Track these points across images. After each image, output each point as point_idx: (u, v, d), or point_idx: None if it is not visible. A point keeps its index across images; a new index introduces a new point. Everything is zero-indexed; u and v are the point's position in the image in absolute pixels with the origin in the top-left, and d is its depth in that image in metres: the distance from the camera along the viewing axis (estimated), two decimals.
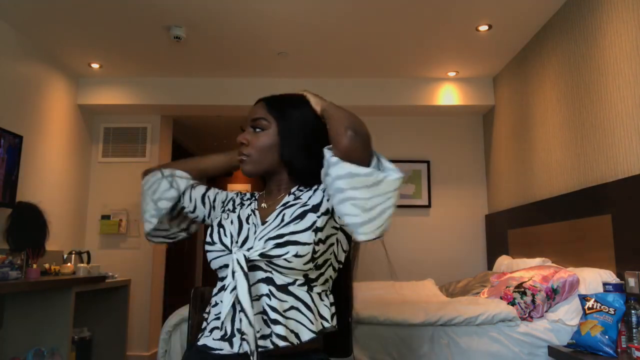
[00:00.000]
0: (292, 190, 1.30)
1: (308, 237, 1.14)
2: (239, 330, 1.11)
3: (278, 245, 1.13)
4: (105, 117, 4.64)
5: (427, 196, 4.52)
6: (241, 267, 1.12)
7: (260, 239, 1.17)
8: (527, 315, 2.46)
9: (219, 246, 1.22)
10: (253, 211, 1.30)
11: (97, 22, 3.33)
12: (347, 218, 1.08)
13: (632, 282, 2.11)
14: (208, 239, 1.26)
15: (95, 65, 4.10)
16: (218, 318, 1.17)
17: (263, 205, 1.32)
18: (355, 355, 2.28)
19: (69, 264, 3.48)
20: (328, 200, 1.20)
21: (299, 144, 1.27)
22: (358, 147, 1.10)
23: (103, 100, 4.37)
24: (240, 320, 1.09)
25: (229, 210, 1.36)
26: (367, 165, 1.10)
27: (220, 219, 1.30)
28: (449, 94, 4.36)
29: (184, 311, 2.40)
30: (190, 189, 1.44)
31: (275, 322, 1.11)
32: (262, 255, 1.14)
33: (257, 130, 1.28)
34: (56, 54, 3.87)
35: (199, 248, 7.05)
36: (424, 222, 4.52)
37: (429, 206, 4.51)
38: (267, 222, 1.22)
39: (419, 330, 2.39)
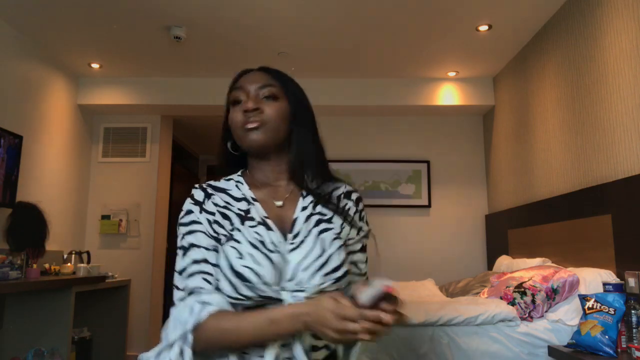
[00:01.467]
0: (303, 185, 1.14)
1: (346, 266, 1.06)
2: None
3: (337, 280, 1.02)
4: (105, 117, 4.64)
5: (427, 196, 4.52)
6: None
7: (306, 269, 1.01)
8: (527, 315, 2.46)
9: (256, 299, 1.00)
10: (264, 223, 1.07)
11: (97, 22, 3.33)
12: None
13: (632, 282, 2.11)
14: (233, 293, 0.99)
15: (95, 65, 4.10)
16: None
17: (279, 203, 1.12)
18: None
19: (69, 264, 3.48)
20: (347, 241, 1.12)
21: (310, 126, 1.17)
22: None
23: (103, 100, 4.37)
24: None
25: (224, 236, 1.06)
26: None
27: (230, 261, 1.00)
28: (449, 94, 4.36)
29: None
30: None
31: (315, 347, 1.03)
32: (319, 291, 1.01)
33: (268, 99, 1.11)
34: (56, 54, 3.87)
35: None
36: (424, 222, 4.52)
37: (429, 206, 4.51)
38: (301, 243, 1.04)
39: (419, 330, 2.39)
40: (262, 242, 1.03)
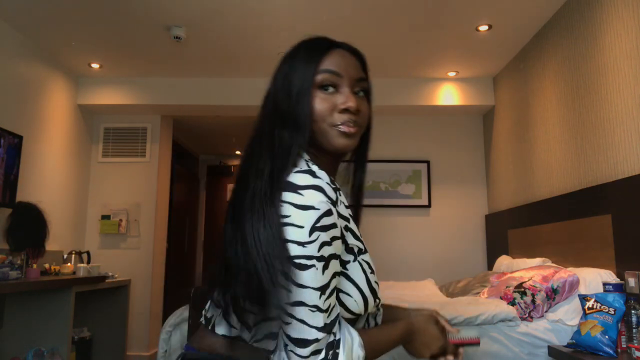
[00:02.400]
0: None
1: None
2: None
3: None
4: (105, 117, 4.64)
5: (427, 196, 4.52)
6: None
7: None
8: (527, 315, 2.45)
9: (364, 315, 0.96)
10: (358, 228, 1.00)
11: (97, 22, 3.33)
12: None
13: (632, 282, 2.11)
14: (360, 309, 0.91)
15: (95, 65, 4.10)
16: None
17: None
18: None
19: (69, 264, 3.48)
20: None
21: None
22: None
23: (103, 100, 4.37)
24: None
25: (357, 247, 0.93)
26: None
27: (367, 276, 0.92)
28: (449, 94, 4.36)
29: (184, 311, 2.40)
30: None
31: None
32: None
33: (361, 94, 0.97)
34: (56, 54, 3.87)
35: (199, 248, 7.05)
36: (424, 222, 4.52)
37: (429, 206, 4.51)
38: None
39: None
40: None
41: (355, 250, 0.91)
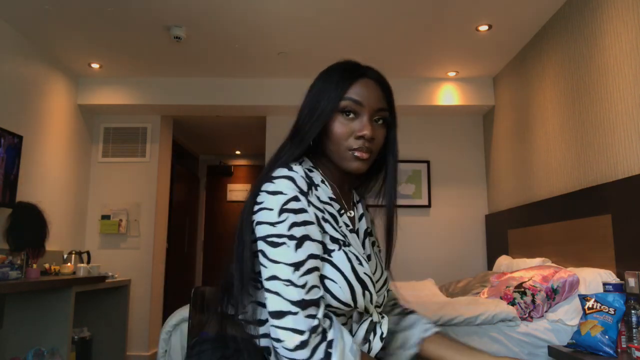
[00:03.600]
0: (357, 197, 1.18)
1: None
2: None
3: (387, 292, 1.12)
4: (105, 117, 4.64)
5: (427, 196, 4.52)
6: (383, 336, 1.05)
7: (375, 283, 1.04)
8: (527, 315, 2.45)
9: (359, 309, 1.01)
10: (357, 233, 1.10)
11: (97, 22, 3.33)
12: None
13: (632, 282, 2.11)
14: (347, 299, 0.95)
15: (95, 65, 4.10)
16: None
17: (351, 214, 1.11)
18: None
19: (69, 264, 3.48)
20: None
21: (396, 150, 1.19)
22: None
23: (103, 100, 4.37)
24: None
25: (340, 240, 0.99)
26: None
27: (354, 265, 0.97)
28: (449, 94, 4.36)
29: (184, 311, 2.40)
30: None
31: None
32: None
33: (381, 122, 1.10)
34: (56, 54, 3.87)
35: (198, 248, 7.06)
36: (424, 222, 4.52)
37: (429, 206, 4.51)
38: (369, 256, 1.10)
39: None
40: (360, 254, 1.01)
41: (340, 241, 0.98)
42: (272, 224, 0.90)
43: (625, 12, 2.41)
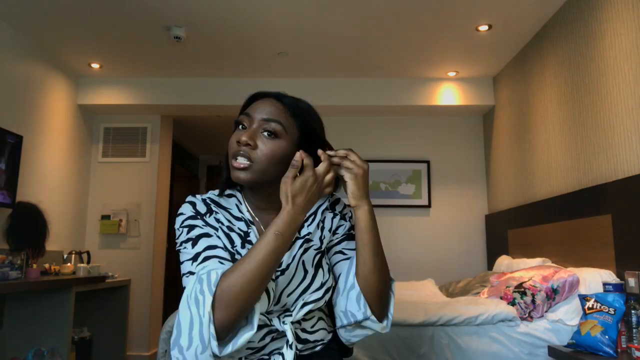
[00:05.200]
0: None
1: (331, 279, 1.16)
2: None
3: (317, 300, 1.11)
4: (105, 117, 4.64)
5: (427, 196, 4.52)
6: (292, 337, 1.06)
7: (290, 294, 1.09)
8: (527, 315, 2.45)
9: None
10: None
11: (97, 22, 3.33)
12: (349, 337, 1.16)
13: (632, 282, 2.11)
14: None
15: (95, 65, 4.10)
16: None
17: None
18: (355, 355, 2.28)
19: (69, 264, 3.48)
20: (329, 243, 1.20)
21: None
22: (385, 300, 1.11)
23: (103, 100, 4.37)
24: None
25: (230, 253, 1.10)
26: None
27: None
28: (449, 94, 4.36)
29: None
30: None
31: (306, 341, 1.16)
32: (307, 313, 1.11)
33: (268, 134, 1.06)
34: (56, 54, 3.87)
35: None
36: (424, 222, 4.52)
37: (429, 206, 4.51)
38: (285, 270, 1.09)
39: (419, 330, 2.39)
40: None
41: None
42: (177, 237, 1.09)
43: (625, 12, 2.41)
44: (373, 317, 1.07)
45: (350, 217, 1.23)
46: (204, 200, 1.13)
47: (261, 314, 1.03)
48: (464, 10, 3.15)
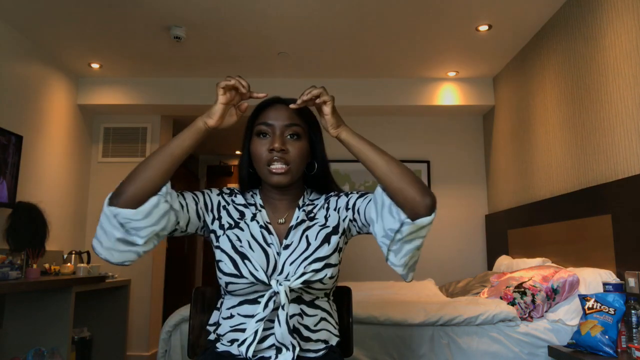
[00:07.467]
0: (300, 203, 1.29)
1: (335, 259, 1.20)
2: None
3: (315, 271, 1.16)
4: (105, 117, 4.64)
5: None
6: (285, 299, 1.12)
7: (292, 263, 1.17)
8: (527, 315, 2.46)
9: (249, 279, 1.15)
10: (266, 227, 1.24)
11: (97, 22, 3.33)
12: (399, 259, 1.17)
13: (632, 282, 2.11)
14: (231, 269, 1.16)
15: (95, 65, 4.10)
16: (236, 330, 1.18)
17: (281, 220, 1.26)
18: (355, 355, 2.28)
19: (69, 264, 3.47)
20: (344, 220, 1.26)
21: (323, 154, 1.31)
22: (428, 201, 1.17)
23: (103, 100, 4.37)
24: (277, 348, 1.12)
25: (229, 223, 1.24)
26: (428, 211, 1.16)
27: (233, 243, 1.19)
28: (449, 94, 4.36)
29: (184, 311, 2.40)
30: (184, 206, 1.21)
31: (308, 339, 1.18)
32: (303, 282, 1.15)
33: (293, 137, 1.23)
34: (56, 54, 3.87)
35: (198, 248, 7.05)
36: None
37: None
38: (289, 245, 1.20)
39: (419, 330, 2.39)
40: (264, 238, 1.21)
41: (226, 226, 1.22)
42: None
43: (625, 13, 2.41)
44: (407, 220, 1.12)
45: (350, 192, 1.31)
46: (233, 192, 1.32)
47: (263, 273, 1.15)
48: (464, 10, 3.15)
